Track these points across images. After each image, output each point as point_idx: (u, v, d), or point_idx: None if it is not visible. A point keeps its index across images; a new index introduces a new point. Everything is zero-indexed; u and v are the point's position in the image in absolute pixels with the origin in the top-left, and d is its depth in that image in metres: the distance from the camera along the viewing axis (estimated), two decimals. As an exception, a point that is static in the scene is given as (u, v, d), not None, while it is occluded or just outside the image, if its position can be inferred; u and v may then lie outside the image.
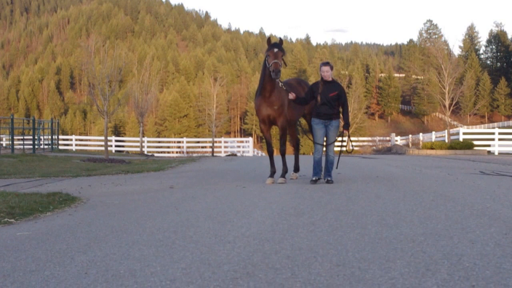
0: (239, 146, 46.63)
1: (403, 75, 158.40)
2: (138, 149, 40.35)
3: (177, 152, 45.81)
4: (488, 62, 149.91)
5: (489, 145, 34.89)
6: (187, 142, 47.57)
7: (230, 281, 3.76)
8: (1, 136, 39.31)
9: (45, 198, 8.68)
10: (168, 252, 4.72)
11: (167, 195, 9.49)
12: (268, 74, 10.71)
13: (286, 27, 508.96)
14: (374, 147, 42.84)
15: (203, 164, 20.76)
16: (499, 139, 35.06)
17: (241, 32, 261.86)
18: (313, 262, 4.18)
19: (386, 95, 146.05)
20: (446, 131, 36.39)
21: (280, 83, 10.81)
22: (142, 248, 4.91)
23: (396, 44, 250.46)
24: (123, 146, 48.21)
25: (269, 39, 11.04)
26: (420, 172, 13.59)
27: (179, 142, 51.55)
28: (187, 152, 42.53)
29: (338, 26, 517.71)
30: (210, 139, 43.11)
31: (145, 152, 39.69)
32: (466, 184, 9.94)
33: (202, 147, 49.04)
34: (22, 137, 33.84)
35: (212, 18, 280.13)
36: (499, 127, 67.50)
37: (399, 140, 46.16)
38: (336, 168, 11.18)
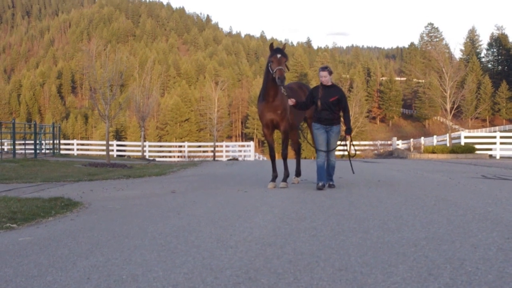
0: (240, 151, 46.63)
1: (404, 78, 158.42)
2: (140, 153, 40.31)
3: (178, 157, 45.77)
4: (489, 65, 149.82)
5: (490, 149, 34.80)
6: (189, 146, 47.55)
7: (232, 286, 3.76)
8: (3, 140, 39.33)
9: (47, 203, 8.68)
10: (170, 257, 4.72)
11: (169, 200, 9.48)
12: (271, 79, 10.72)
13: (287, 31, 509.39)
14: (376, 151, 42.84)
15: (205, 169, 20.75)
16: (501, 143, 34.98)
17: (242, 35, 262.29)
18: (315, 267, 4.18)
19: (387, 99, 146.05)
20: (447, 135, 36.33)
21: (282, 89, 10.79)
22: (144, 253, 4.91)
23: (397, 48, 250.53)
24: (124, 151, 48.22)
25: (271, 44, 11.04)
26: (422, 176, 13.58)
27: (180, 146, 51.49)
28: (189, 157, 42.49)
29: (339, 30, 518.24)
30: (212, 144, 43.10)
31: (147, 157, 39.70)
32: (468, 188, 9.93)
33: (204, 151, 48.95)
34: (23, 142, 33.84)
35: (213, 22, 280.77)
36: (500, 131, 67.64)
37: (400, 144, 46.12)
38: (353, 173, 11.54)
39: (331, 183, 10.50)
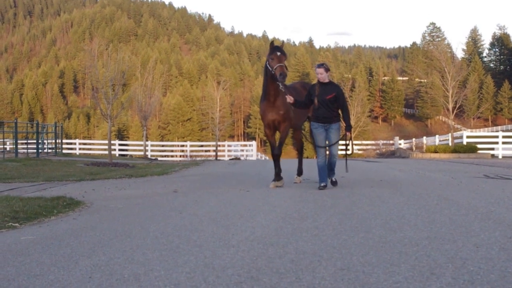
0: (242, 150, 46.63)
1: (406, 78, 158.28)
2: (142, 153, 40.33)
3: (180, 156, 45.83)
4: (492, 65, 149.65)
5: (493, 149, 34.78)
6: (191, 146, 47.57)
7: (234, 285, 3.76)
8: (5, 140, 39.37)
9: (49, 202, 8.68)
10: (172, 256, 4.72)
11: (171, 199, 9.48)
12: (270, 77, 10.64)
13: (289, 30, 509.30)
14: (378, 151, 42.82)
15: (207, 168, 20.76)
16: (503, 143, 34.96)
17: (244, 35, 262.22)
18: (318, 266, 4.18)
19: (390, 99, 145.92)
20: (449, 134, 36.30)
21: (280, 86, 10.69)
22: (146, 252, 4.92)
23: (399, 47, 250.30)
24: (126, 150, 48.25)
25: (272, 42, 10.96)
26: (424, 176, 13.58)
27: (182, 146, 51.52)
28: (191, 156, 42.52)
29: (341, 29, 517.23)
30: (214, 143, 43.06)
31: (149, 156, 39.68)
32: (470, 188, 9.93)
33: (206, 151, 48.95)
34: (25, 141, 33.86)
35: (215, 21, 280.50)
36: (503, 130, 67.53)
37: (402, 144, 46.10)
38: (347, 171, 11.15)
39: (333, 179, 10.41)
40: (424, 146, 39.98)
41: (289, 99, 10.37)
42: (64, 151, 37.38)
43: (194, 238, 5.53)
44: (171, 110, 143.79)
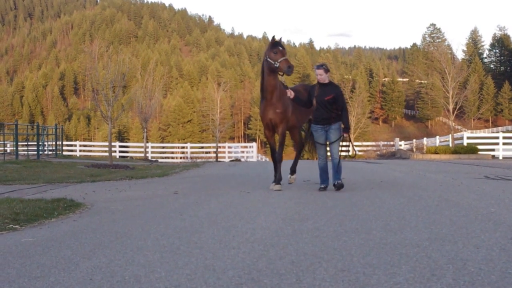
0: (243, 152, 46.65)
1: (407, 79, 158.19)
2: (142, 154, 40.31)
3: (181, 158, 45.81)
4: (492, 66, 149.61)
5: (493, 150, 34.81)
6: (191, 147, 47.57)
7: (234, 287, 3.77)
8: (6, 142, 39.38)
9: (49, 204, 8.68)
10: (173, 258, 4.72)
11: (171, 201, 9.49)
12: (271, 71, 10.49)
13: (290, 32, 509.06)
14: (378, 152, 42.84)
15: (207, 170, 20.77)
16: (504, 144, 34.97)
17: (245, 36, 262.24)
18: (318, 268, 4.18)
19: (390, 100, 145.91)
20: (450, 135, 36.32)
21: (279, 80, 10.58)
22: (147, 254, 4.92)
23: (400, 48, 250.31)
24: (127, 152, 48.23)
25: (273, 37, 10.76)
26: (425, 177, 13.58)
27: (183, 147, 51.53)
28: (191, 158, 42.54)
29: (342, 31, 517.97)
30: (214, 145, 43.05)
31: (149, 158, 39.67)
32: (471, 189, 9.92)
33: (206, 152, 48.99)
34: (26, 143, 33.88)
35: (215, 23, 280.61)
36: (503, 131, 67.51)
37: (403, 145, 46.12)
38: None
39: (338, 181, 10.03)
40: (425, 147, 40.00)
41: (290, 93, 10.31)
42: (64, 153, 37.37)
43: (195, 240, 5.53)
44: (171, 112, 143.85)
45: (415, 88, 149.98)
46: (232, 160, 38.08)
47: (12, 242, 5.90)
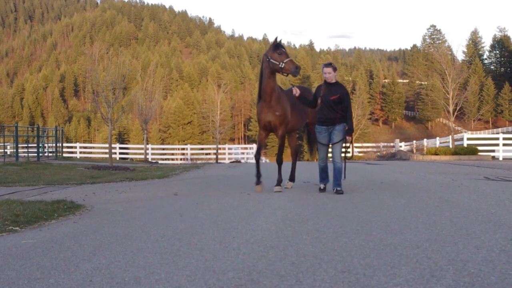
0: (243, 153, 46.61)
1: (407, 80, 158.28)
2: (142, 156, 40.29)
3: (181, 159, 45.81)
4: (492, 67, 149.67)
5: (493, 151, 34.82)
6: (191, 149, 47.55)
7: (235, 288, 3.77)
8: (6, 144, 39.37)
9: (49, 206, 8.68)
10: (173, 259, 4.72)
11: (172, 202, 9.48)
12: (273, 71, 10.40)
13: (290, 33, 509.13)
14: (378, 153, 42.78)
15: (207, 171, 20.76)
16: (504, 145, 34.99)
17: (245, 38, 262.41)
18: (318, 269, 4.18)
19: (390, 101, 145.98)
20: (450, 136, 36.31)
21: (277, 85, 10.54)
22: (147, 256, 4.91)
23: (400, 50, 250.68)
24: (127, 154, 48.22)
25: (276, 39, 10.59)
26: (425, 178, 13.57)
27: (183, 149, 51.55)
28: (191, 159, 42.53)
29: (342, 32, 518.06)
30: (214, 146, 43.04)
31: (149, 159, 39.65)
32: (471, 190, 9.92)
33: (206, 154, 48.95)
34: (26, 145, 33.90)
35: (215, 25, 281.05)
36: (503, 132, 67.46)
37: (403, 146, 46.12)
38: (344, 178, 10.49)
39: (338, 188, 9.81)
40: (425, 148, 40.01)
41: (295, 91, 10.21)
42: (64, 154, 37.35)
43: (195, 241, 5.53)
44: (171, 114, 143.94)
45: (415, 90, 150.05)
46: (232, 162, 38.07)
47: (12, 244, 5.90)
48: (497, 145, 35.11)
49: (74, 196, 10.66)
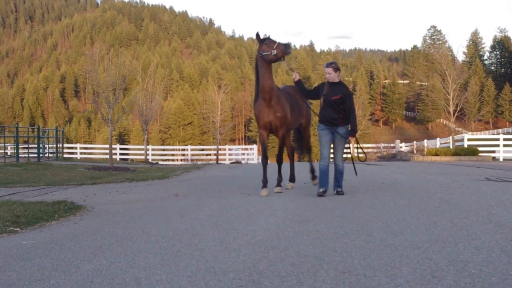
0: (243, 154, 46.61)
1: (407, 81, 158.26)
2: (143, 157, 40.29)
3: (181, 160, 45.82)
4: (492, 67, 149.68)
5: (494, 151, 34.79)
6: (192, 149, 47.53)
7: (235, 289, 3.77)
8: (6, 144, 39.37)
9: (50, 207, 8.68)
10: (174, 260, 4.72)
11: (172, 203, 9.49)
12: (264, 70, 10.21)
13: (290, 34, 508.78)
14: (379, 154, 42.76)
15: (208, 172, 20.76)
16: (504, 145, 34.96)
17: (245, 39, 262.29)
18: (319, 270, 4.18)
19: (390, 102, 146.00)
20: (450, 137, 36.30)
21: (285, 63, 10.44)
22: (148, 256, 4.92)
23: (400, 50, 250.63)
24: (127, 154, 48.22)
25: (258, 34, 10.34)
26: (425, 179, 13.56)
27: (183, 150, 51.56)
28: (192, 160, 42.52)
29: (342, 33, 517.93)
30: (215, 147, 43.02)
31: (150, 160, 39.64)
32: (471, 191, 9.90)
33: (207, 154, 48.94)
34: (27, 146, 33.89)
35: (216, 25, 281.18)
36: (504, 133, 67.42)
37: (403, 147, 46.08)
38: (356, 174, 10.75)
39: (339, 190, 9.77)
40: (425, 149, 39.94)
41: (295, 75, 10.17)
42: (65, 155, 37.37)
43: (195, 242, 5.53)
44: (172, 114, 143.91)
45: (415, 90, 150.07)
46: (233, 162, 38.05)
47: (12, 245, 5.90)
48: (498, 145, 35.07)
49: (74, 197, 10.67)
